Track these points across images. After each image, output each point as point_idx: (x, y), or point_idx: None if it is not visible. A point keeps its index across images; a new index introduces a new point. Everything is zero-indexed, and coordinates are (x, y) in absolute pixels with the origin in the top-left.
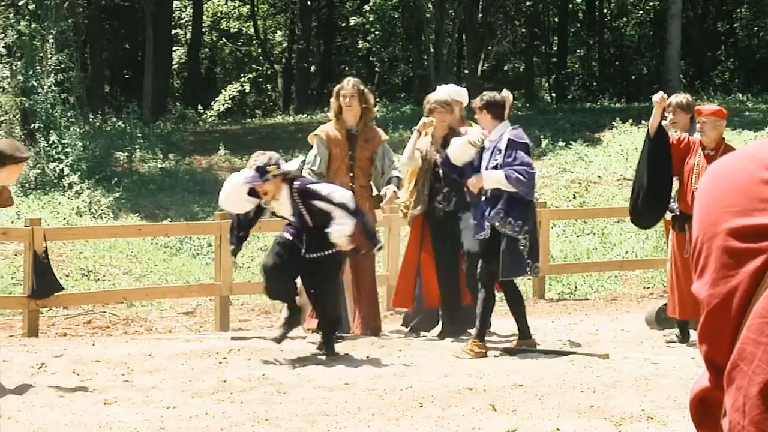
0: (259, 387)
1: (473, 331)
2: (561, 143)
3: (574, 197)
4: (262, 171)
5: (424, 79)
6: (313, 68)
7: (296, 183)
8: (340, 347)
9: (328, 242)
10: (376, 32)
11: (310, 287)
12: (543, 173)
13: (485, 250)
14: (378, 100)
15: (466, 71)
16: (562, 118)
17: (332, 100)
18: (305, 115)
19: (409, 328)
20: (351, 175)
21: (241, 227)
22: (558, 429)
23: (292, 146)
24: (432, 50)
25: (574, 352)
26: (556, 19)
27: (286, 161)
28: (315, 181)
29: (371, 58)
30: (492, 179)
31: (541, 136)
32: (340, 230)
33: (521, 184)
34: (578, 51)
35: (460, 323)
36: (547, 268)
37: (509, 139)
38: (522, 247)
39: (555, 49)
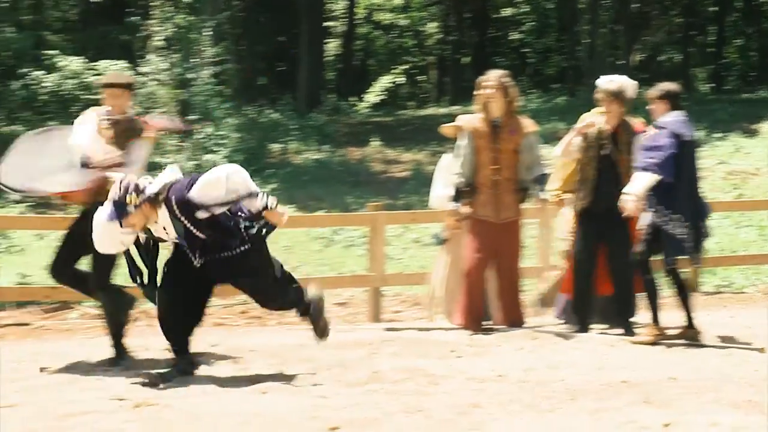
0: (411, 378)
1: (637, 319)
2: (718, 135)
3: (732, 189)
4: (119, 206)
5: (578, 70)
6: (466, 60)
7: (172, 197)
8: (491, 339)
9: (228, 242)
10: (530, 23)
11: (247, 293)
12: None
13: (646, 237)
14: (531, 91)
15: (621, 62)
16: (719, 110)
17: (476, 91)
18: (459, 107)
19: (563, 319)
20: (495, 167)
21: (146, 261)
22: (714, 423)
23: (446, 138)
24: (586, 41)
25: (730, 346)
26: (713, 9)
27: (157, 177)
28: (189, 183)
29: (524, 49)
30: (637, 184)
31: (698, 128)
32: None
33: (656, 168)
34: (735, 41)
35: (624, 313)
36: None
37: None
38: (675, 233)
39: (712, 39)
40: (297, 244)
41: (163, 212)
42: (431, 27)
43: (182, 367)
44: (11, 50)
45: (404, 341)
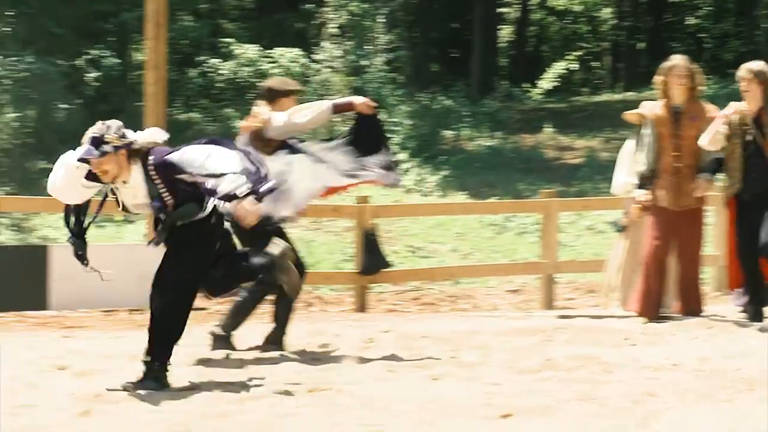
0: (584, 366)
1: None
2: None
3: None
4: (97, 142)
5: (757, 55)
6: (641, 45)
7: (151, 157)
8: (665, 327)
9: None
10: (707, 8)
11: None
12: None
13: None
14: (708, 77)
15: None
16: None
17: (658, 77)
18: (633, 93)
19: (741, 308)
20: (677, 154)
21: (78, 223)
22: None
23: (620, 124)
24: (765, 25)
25: None
26: None
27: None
28: (173, 149)
29: (701, 35)
30: None
31: None
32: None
33: None
34: None
35: None
36: None
37: None
38: None
39: None
40: (469, 231)
41: (137, 172)
42: (606, 12)
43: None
44: (189, 38)
45: (577, 329)
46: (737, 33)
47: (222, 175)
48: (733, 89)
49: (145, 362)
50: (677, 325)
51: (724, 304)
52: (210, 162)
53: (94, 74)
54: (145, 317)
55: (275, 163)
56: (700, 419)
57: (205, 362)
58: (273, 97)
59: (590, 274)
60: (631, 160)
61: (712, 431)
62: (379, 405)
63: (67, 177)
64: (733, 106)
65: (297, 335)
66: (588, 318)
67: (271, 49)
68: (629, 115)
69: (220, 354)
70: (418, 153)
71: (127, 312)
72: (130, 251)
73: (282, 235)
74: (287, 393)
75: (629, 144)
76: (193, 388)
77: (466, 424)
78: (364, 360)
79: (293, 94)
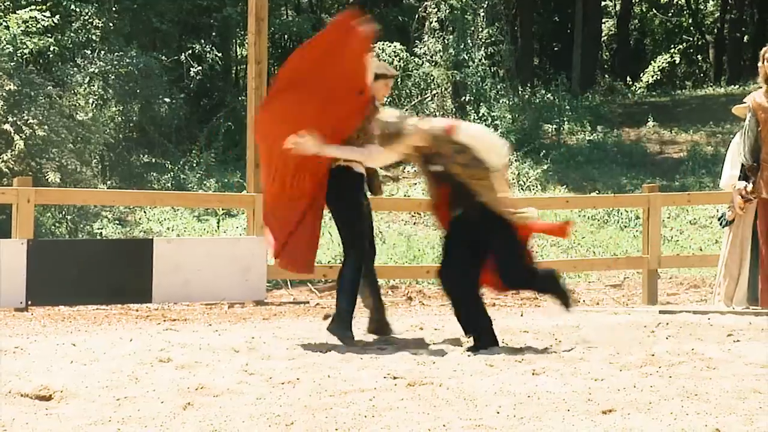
0: (688, 361)
1: None
2: None
3: None
4: None
5: None
6: (746, 38)
7: None
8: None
9: None
10: None
11: None
12: None
13: None
14: None
15: None
16: None
17: (760, 64)
18: (737, 87)
19: None
20: None
21: None
22: None
23: (724, 118)
24: None
25: None
26: None
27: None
28: None
29: None
30: None
31: None
32: None
33: None
34: None
35: None
36: None
37: None
38: None
39: None
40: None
41: None
42: (710, 5)
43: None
44: (290, 33)
45: (680, 324)
46: None
47: None
48: None
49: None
50: None
51: None
52: None
53: (196, 69)
54: (245, 311)
55: None
56: None
57: (306, 355)
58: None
59: (693, 269)
60: (737, 153)
61: None
62: (480, 399)
63: None
64: None
65: (398, 329)
66: (691, 313)
67: (373, 43)
68: (737, 109)
69: (321, 347)
70: (518, 147)
71: (227, 305)
72: (231, 245)
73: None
74: (388, 386)
75: (737, 138)
76: (295, 380)
77: (567, 419)
78: (464, 354)
79: (391, 78)
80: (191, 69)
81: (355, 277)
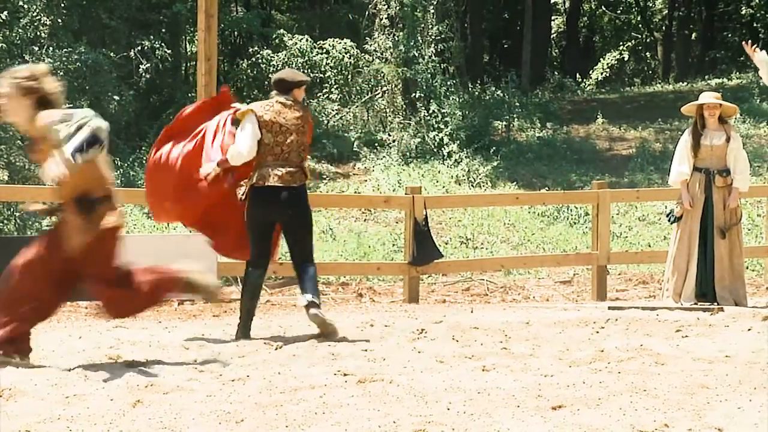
0: (637, 357)
1: None
2: None
3: None
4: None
5: None
6: (694, 35)
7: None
8: (718, 319)
9: None
10: None
11: None
12: None
13: None
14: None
15: None
16: None
17: None
18: (685, 84)
19: None
20: None
21: None
22: None
23: (672, 115)
24: None
25: None
26: None
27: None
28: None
29: (755, 24)
30: None
31: None
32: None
33: None
34: None
35: None
36: None
37: None
38: None
39: None
40: (520, 222)
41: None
42: (658, 3)
43: None
44: (240, 30)
45: (629, 320)
46: None
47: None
48: None
49: None
50: (730, 317)
51: None
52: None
53: (145, 65)
54: (195, 308)
55: None
56: (752, 411)
57: (256, 352)
58: (286, 88)
59: (642, 265)
60: (686, 149)
61: (765, 423)
62: (430, 396)
63: None
64: None
65: (348, 326)
66: (640, 309)
67: (323, 40)
68: (686, 108)
69: (271, 344)
70: (468, 144)
71: (177, 302)
72: (181, 242)
73: None
74: (339, 383)
75: (685, 135)
76: (245, 377)
77: (517, 415)
78: (415, 351)
79: (304, 84)
80: (140, 65)
81: None
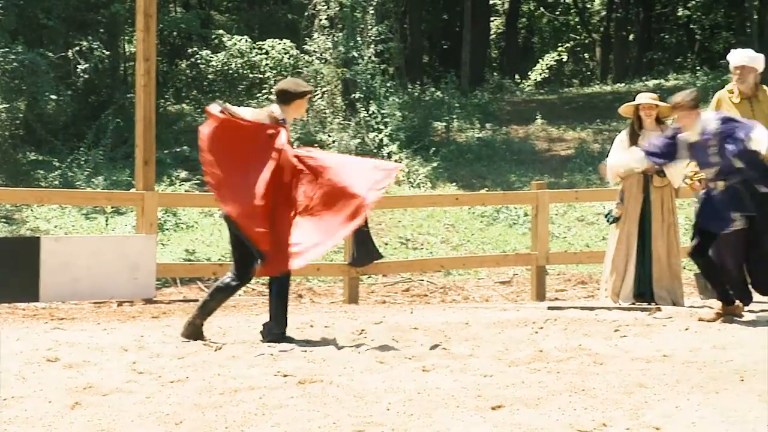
0: (576, 357)
1: None
2: None
3: None
4: None
5: (747, 47)
6: (631, 37)
7: None
8: (656, 318)
9: None
10: None
11: None
12: None
13: None
14: (698, 68)
15: None
16: None
17: None
18: (623, 85)
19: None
20: None
21: None
22: None
23: (610, 116)
24: (755, 16)
25: None
26: None
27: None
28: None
29: (692, 26)
30: None
31: None
32: None
33: None
34: None
35: None
36: None
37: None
38: None
39: None
40: (460, 223)
41: None
42: (596, 4)
43: None
44: (179, 30)
45: (568, 320)
46: (728, 24)
47: None
48: (723, 80)
49: None
50: (668, 316)
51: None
52: None
53: (84, 66)
54: (134, 309)
55: None
56: (690, 410)
57: (195, 353)
58: (288, 98)
59: (581, 265)
60: (622, 149)
61: (703, 422)
62: (370, 396)
63: None
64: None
65: (288, 327)
66: (579, 309)
67: (262, 40)
68: (624, 109)
69: (210, 346)
70: (408, 145)
71: (116, 304)
72: (119, 243)
73: None
74: (278, 384)
75: (622, 135)
76: (185, 379)
77: (456, 415)
78: (354, 351)
79: (308, 94)
80: (78, 66)
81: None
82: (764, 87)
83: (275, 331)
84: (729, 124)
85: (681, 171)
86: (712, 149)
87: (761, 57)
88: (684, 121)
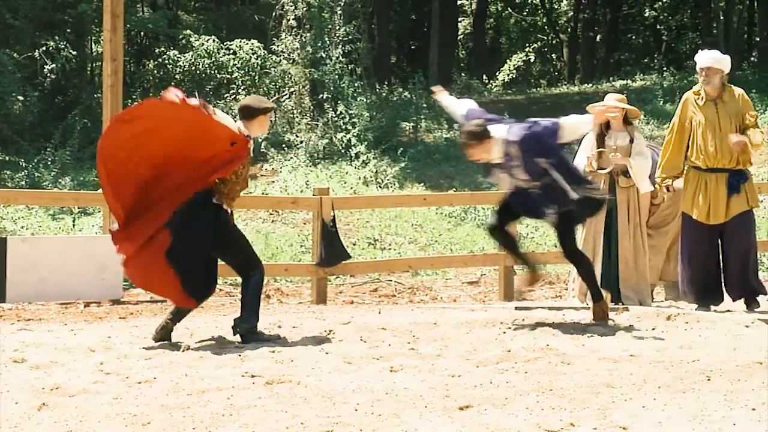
0: (543, 357)
1: None
2: None
3: None
4: None
5: (713, 47)
6: (598, 37)
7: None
8: (623, 319)
9: None
10: (664, 0)
11: None
12: None
13: None
14: (665, 69)
15: (758, 39)
16: None
17: None
18: (591, 85)
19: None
20: None
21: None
22: None
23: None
24: (721, 17)
25: None
26: None
27: None
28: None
29: (658, 26)
30: None
31: None
32: None
33: None
34: None
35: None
36: None
37: None
38: None
39: None
40: (428, 223)
41: None
42: (564, 5)
43: None
44: (146, 30)
45: (536, 320)
46: (695, 25)
47: None
48: (689, 81)
49: None
50: (635, 317)
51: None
52: None
53: (50, 66)
54: (101, 310)
55: None
56: (657, 410)
57: (163, 354)
58: (251, 114)
59: (549, 265)
60: (589, 150)
61: (669, 422)
62: (338, 397)
63: None
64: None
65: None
66: (546, 309)
67: (230, 40)
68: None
69: (178, 346)
70: (376, 145)
71: (83, 304)
72: (86, 244)
73: None
74: (246, 385)
75: (590, 136)
76: (152, 380)
77: (424, 415)
78: (322, 352)
79: (270, 111)
80: (45, 66)
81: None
82: (731, 87)
83: (245, 324)
84: (528, 133)
85: (645, 173)
86: (516, 161)
87: (727, 59)
88: (478, 156)
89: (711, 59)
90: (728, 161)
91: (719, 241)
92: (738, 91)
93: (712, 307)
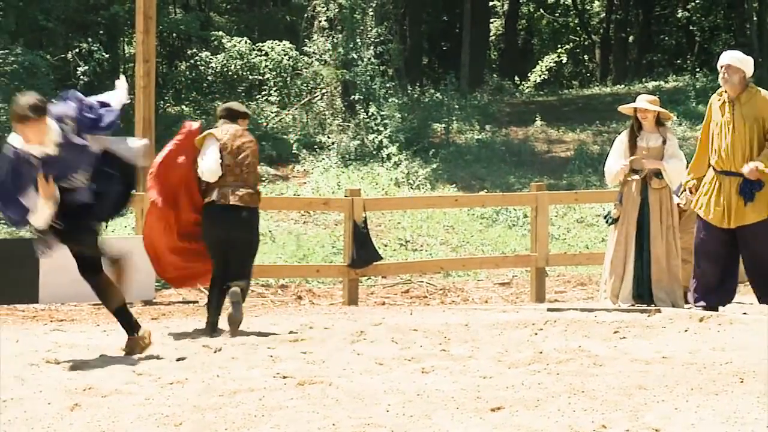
0: (575, 359)
1: None
2: None
3: None
4: None
5: (746, 49)
6: (631, 38)
7: None
8: (655, 320)
9: None
10: (697, 1)
11: None
12: None
13: None
14: (697, 70)
15: None
16: None
17: None
18: (623, 86)
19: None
20: None
21: None
22: None
23: (610, 117)
24: (755, 18)
25: None
26: None
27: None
28: None
29: (691, 27)
30: None
31: None
32: None
33: None
34: None
35: None
36: None
37: None
38: None
39: None
40: (459, 224)
41: None
42: (596, 6)
43: None
44: (178, 32)
45: (568, 321)
46: (728, 26)
47: None
48: None
49: None
50: (667, 318)
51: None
52: None
53: (83, 68)
54: (134, 310)
55: None
56: (689, 412)
57: (195, 355)
58: (234, 117)
59: (580, 266)
60: (622, 150)
61: (702, 424)
62: (369, 398)
63: None
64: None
65: (288, 328)
66: (578, 311)
67: (262, 42)
68: (624, 108)
69: (210, 347)
70: (407, 146)
71: None
72: (119, 244)
73: None
74: (278, 386)
75: (622, 136)
76: (184, 380)
77: (456, 417)
78: (354, 353)
79: (248, 116)
80: (78, 68)
81: None
82: (754, 89)
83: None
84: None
85: (680, 176)
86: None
87: (750, 60)
88: (28, 135)
89: (732, 57)
90: (741, 165)
91: (733, 244)
92: (763, 93)
93: (720, 308)
